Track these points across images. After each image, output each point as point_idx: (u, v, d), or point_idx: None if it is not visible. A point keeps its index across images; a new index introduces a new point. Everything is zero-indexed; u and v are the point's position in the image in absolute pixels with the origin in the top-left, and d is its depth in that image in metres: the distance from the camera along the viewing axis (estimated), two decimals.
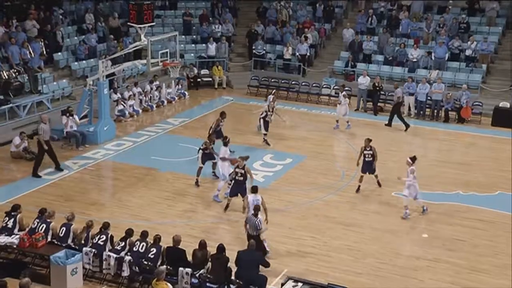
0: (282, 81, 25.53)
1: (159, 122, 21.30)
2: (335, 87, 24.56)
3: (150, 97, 22.88)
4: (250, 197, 12.44)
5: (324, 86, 24.73)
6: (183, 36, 27.10)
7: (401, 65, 25.06)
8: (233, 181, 13.78)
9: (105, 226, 11.41)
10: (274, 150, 18.34)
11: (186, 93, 24.64)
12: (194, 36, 27.92)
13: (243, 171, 13.59)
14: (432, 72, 23.91)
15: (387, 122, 21.15)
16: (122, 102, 21.32)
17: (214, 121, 17.36)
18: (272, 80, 25.66)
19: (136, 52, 22.80)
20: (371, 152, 15.21)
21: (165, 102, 23.34)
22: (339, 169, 17.15)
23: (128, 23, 20.10)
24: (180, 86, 24.47)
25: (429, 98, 22.42)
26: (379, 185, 15.56)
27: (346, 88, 21.58)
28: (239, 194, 13.66)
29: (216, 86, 25.95)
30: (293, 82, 25.38)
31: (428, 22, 26.05)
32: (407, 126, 20.83)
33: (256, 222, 11.47)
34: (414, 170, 14.04)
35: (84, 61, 23.32)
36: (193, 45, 27.42)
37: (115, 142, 18.90)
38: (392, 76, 25.01)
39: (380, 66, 25.27)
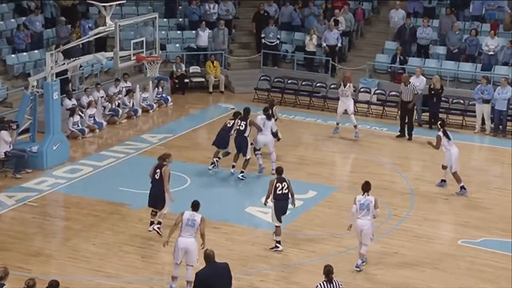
0: (303, 83, 25.59)
1: (131, 139, 21.38)
2: (377, 90, 24.66)
3: (118, 104, 23.02)
4: (187, 214, 12.91)
5: (362, 89, 24.80)
6: (164, 20, 27.31)
7: (472, 60, 25.12)
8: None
9: (53, 286, 11.39)
10: (292, 180, 18.31)
11: (169, 98, 24.78)
12: (180, 20, 28.13)
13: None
14: None
15: (399, 134, 21.80)
16: (79, 112, 21.45)
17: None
18: (289, 82, 25.74)
19: (99, 41, 22.97)
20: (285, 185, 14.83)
21: (139, 111, 23.46)
22: (384, 206, 17.10)
23: (88, 1, 20.28)
24: (160, 89, 24.61)
25: (511, 106, 22.46)
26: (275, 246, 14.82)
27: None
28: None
29: (210, 90, 26.09)
30: (318, 85, 25.44)
31: None
32: (403, 134, 21.77)
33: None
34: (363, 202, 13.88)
35: (24, 53, 23.50)
36: (178, 32, 27.62)
37: (68, 167, 18.96)
38: (459, 75, 25.04)
39: (441, 62, 25.34)
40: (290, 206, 14.93)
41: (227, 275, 11.19)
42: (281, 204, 14.75)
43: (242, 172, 18.34)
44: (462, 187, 17.64)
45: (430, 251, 15.06)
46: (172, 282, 12.97)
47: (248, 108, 18.81)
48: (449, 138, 17.65)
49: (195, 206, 13.02)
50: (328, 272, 11.16)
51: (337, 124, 21.77)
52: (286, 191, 14.74)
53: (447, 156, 17.66)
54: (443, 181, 18.13)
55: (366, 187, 14.00)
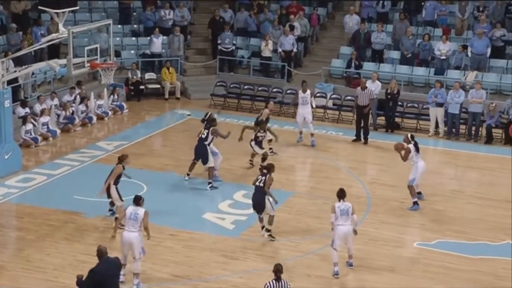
0: (260, 89, 25.69)
1: (85, 147, 21.22)
2: (333, 95, 24.86)
3: (72, 111, 22.83)
4: (130, 208, 13.46)
5: (318, 94, 24.94)
6: (119, 26, 27.18)
7: (425, 65, 25.45)
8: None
9: None
10: (248, 185, 18.33)
11: (124, 105, 24.66)
12: (135, 26, 28.01)
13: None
14: (468, 74, 24.32)
15: (354, 138, 22.07)
16: (32, 120, 21.22)
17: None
18: (245, 87, 25.83)
19: (51, 48, 22.74)
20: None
21: (94, 118, 23.30)
22: None
23: (40, 7, 20.10)
24: (115, 96, 24.48)
25: (464, 110, 22.76)
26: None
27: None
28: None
29: (166, 96, 26.06)
30: (274, 90, 25.57)
31: (462, 4, 26.53)
32: (359, 138, 22.03)
33: None
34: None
35: None
36: (133, 38, 27.52)
37: (21, 176, 18.75)
38: (412, 79, 25.35)
39: (396, 66, 25.62)
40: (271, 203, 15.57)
41: (118, 268, 11.82)
42: (253, 193, 15.58)
43: (210, 183, 18.20)
44: (415, 203, 17.28)
45: (386, 254, 15.18)
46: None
47: (214, 117, 18.74)
48: (418, 151, 17.14)
49: (137, 201, 13.48)
50: (277, 270, 11.42)
51: (301, 133, 21.76)
52: (262, 184, 15.40)
53: (413, 169, 17.18)
54: (419, 193, 17.58)
55: (341, 194, 14.16)
